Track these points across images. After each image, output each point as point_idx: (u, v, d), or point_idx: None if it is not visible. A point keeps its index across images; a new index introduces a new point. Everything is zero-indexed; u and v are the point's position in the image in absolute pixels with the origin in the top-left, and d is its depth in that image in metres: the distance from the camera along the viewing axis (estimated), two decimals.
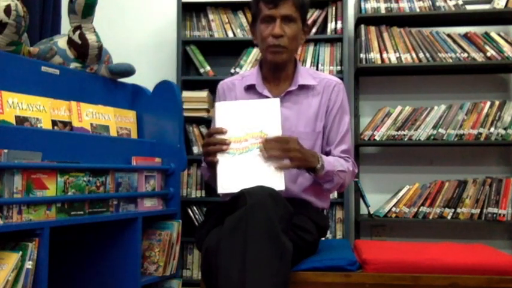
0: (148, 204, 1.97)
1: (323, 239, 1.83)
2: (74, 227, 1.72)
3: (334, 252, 1.70)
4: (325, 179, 1.66)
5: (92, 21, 1.97)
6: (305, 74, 1.80)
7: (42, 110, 1.74)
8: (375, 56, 2.86)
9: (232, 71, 2.96)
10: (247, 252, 1.30)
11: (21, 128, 1.59)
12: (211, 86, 2.96)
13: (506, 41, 2.81)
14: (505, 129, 2.74)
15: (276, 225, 1.34)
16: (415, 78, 3.05)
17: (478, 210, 2.74)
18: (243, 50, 3.03)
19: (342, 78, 2.81)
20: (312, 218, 1.67)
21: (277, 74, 1.78)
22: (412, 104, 2.91)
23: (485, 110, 2.79)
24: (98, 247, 1.89)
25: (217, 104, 1.60)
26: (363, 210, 2.90)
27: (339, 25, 2.94)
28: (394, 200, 2.82)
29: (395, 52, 2.86)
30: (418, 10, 2.85)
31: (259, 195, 1.38)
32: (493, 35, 2.84)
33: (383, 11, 2.88)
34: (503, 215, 2.70)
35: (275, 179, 1.50)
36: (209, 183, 1.84)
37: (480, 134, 2.76)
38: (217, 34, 3.04)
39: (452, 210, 2.76)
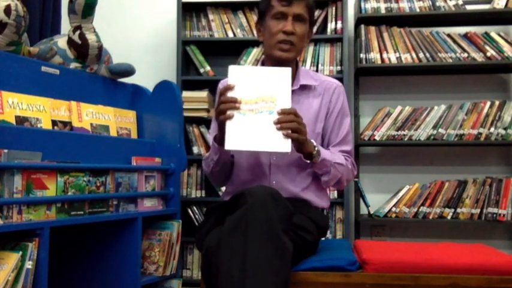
0: (148, 204, 1.97)
1: (323, 239, 1.83)
2: (74, 227, 1.72)
3: (334, 252, 1.70)
4: (322, 169, 1.67)
5: (92, 21, 1.97)
6: (306, 75, 1.81)
7: (42, 110, 1.74)
8: (374, 56, 2.86)
9: None
10: (248, 252, 1.30)
11: (21, 128, 1.59)
12: (211, 86, 2.96)
13: (506, 41, 2.81)
14: (505, 129, 2.74)
15: (276, 224, 1.34)
16: (415, 78, 3.05)
17: (478, 210, 2.74)
18: (243, 50, 3.03)
19: (342, 78, 2.83)
20: (312, 217, 1.67)
21: None
22: (412, 104, 2.91)
23: (485, 110, 2.79)
24: (98, 247, 1.89)
25: (231, 67, 1.59)
26: (363, 210, 2.90)
27: (339, 25, 2.94)
28: (394, 200, 2.82)
29: (395, 52, 2.86)
30: (418, 10, 2.85)
31: (259, 194, 1.38)
32: (493, 35, 2.84)
33: (383, 11, 2.88)
34: (503, 215, 2.70)
35: (282, 142, 1.51)
36: (213, 175, 1.83)
37: (480, 134, 2.76)
38: (217, 34, 3.04)
39: (452, 210, 2.76)
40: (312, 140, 1.64)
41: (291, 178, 1.72)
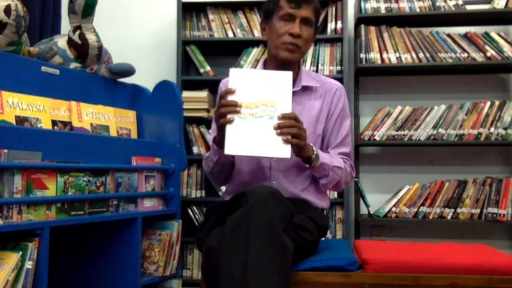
0: (148, 204, 1.97)
1: (323, 239, 1.83)
2: (74, 227, 1.72)
3: (334, 252, 1.70)
4: (321, 172, 1.68)
5: (92, 21, 1.97)
6: (307, 76, 1.81)
7: (42, 110, 1.74)
8: (375, 56, 2.86)
9: None
10: (249, 252, 1.30)
11: (21, 128, 1.59)
12: (211, 86, 2.96)
13: (506, 41, 2.81)
14: (505, 129, 2.74)
15: (277, 224, 1.34)
16: (415, 78, 3.05)
17: (478, 210, 2.74)
18: (243, 50, 3.03)
19: (342, 78, 2.83)
20: (312, 217, 1.67)
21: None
22: (412, 104, 2.91)
23: (485, 110, 2.79)
24: (98, 247, 1.89)
25: (232, 70, 1.59)
26: (363, 210, 2.90)
27: (339, 25, 2.94)
28: (394, 200, 2.82)
29: (395, 52, 2.86)
30: (418, 10, 2.85)
31: (260, 194, 1.38)
32: (493, 35, 2.84)
33: (383, 11, 2.88)
34: (503, 215, 2.70)
35: (281, 147, 1.51)
36: (213, 175, 1.83)
37: (480, 134, 2.76)
38: (217, 34, 3.04)
39: (452, 210, 2.76)
40: (311, 144, 1.64)
41: (291, 179, 1.72)
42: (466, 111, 2.81)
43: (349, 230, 2.85)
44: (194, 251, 2.94)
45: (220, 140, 1.57)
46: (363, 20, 2.91)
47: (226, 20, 3.04)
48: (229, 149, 1.51)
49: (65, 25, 2.26)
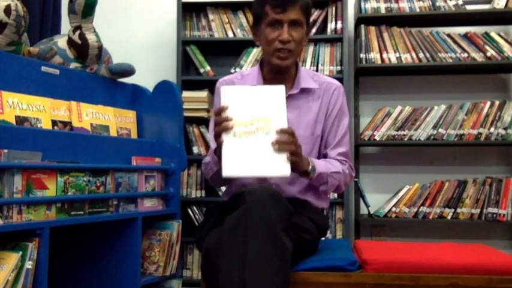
0: (148, 204, 1.97)
1: (323, 239, 1.83)
2: (74, 227, 1.72)
3: (334, 252, 1.70)
4: (319, 181, 1.67)
5: (92, 21, 1.97)
6: (306, 77, 1.79)
7: (42, 110, 1.74)
8: (375, 56, 2.86)
9: (232, 71, 2.96)
10: (248, 252, 1.30)
11: (21, 128, 1.59)
12: (211, 86, 2.95)
13: (506, 41, 2.81)
14: (505, 129, 2.74)
15: (275, 224, 1.34)
16: (415, 78, 3.05)
17: (478, 210, 2.74)
18: (243, 50, 3.03)
19: (342, 78, 2.82)
20: (312, 218, 1.67)
21: (279, 77, 1.77)
22: (412, 104, 2.91)
23: (485, 110, 2.79)
24: (98, 247, 1.89)
25: (223, 88, 1.56)
26: (363, 210, 2.90)
27: (339, 25, 2.94)
28: (394, 200, 2.82)
29: (395, 52, 2.86)
30: (418, 10, 2.85)
31: (258, 194, 1.38)
32: (493, 35, 2.84)
33: (383, 11, 2.88)
34: (503, 215, 2.70)
35: (280, 165, 1.48)
36: (213, 180, 1.82)
37: (480, 134, 2.76)
38: (217, 34, 3.04)
39: (452, 210, 2.76)
40: (307, 157, 1.62)
41: (290, 180, 1.72)
42: (466, 111, 2.81)
43: (349, 230, 2.85)
44: (194, 251, 2.94)
45: (220, 154, 1.57)
46: (363, 20, 2.91)
47: (226, 20, 3.04)
48: (227, 171, 1.47)
49: (65, 25, 2.26)
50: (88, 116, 1.92)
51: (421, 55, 2.83)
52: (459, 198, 2.76)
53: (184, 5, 3.02)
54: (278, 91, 1.54)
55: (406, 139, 2.82)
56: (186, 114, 2.79)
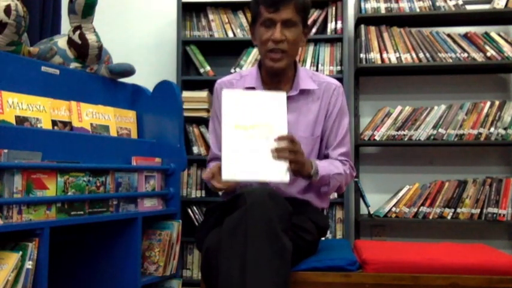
0: (148, 204, 1.97)
1: (323, 239, 1.83)
2: (74, 227, 1.72)
3: (334, 252, 1.70)
4: (322, 183, 1.67)
5: (92, 21, 1.97)
6: (305, 77, 1.78)
7: (42, 110, 1.74)
8: (375, 56, 2.86)
9: (232, 71, 2.96)
10: (247, 252, 1.30)
11: (21, 128, 1.59)
12: (211, 86, 2.92)
13: (506, 41, 2.81)
14: (505, 129, 2.74)
15: (275, 224, 1.34)
16: (415, 78, 3.05)
17: (478, 210, 2.74)
18: (243, 50, 3.03)
19: (342, 78, 2.83)
20: (312, 218, 1.67)
21: (277, 78, 1.76)
22: (412, 104, 2.91)
23: (485, 110, 2.79)
24: (98, 247, 1.89)
25: (224, 91, 1.56)
26: (363, 210, 2.90)
27: (339, 25, 2.94)
28: (394, 200, 2.82)
29: (395, 52, 2.86)
30: (418, 10, 2.85)
31: (258, 195, 1.38)
32: (493, 35, 2.84)
33: (383, 11, 2.88)
34: (503, 215, 2.70)
35: (280, 171, 1.49)
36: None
37: (480, 134, 2.76)
38: (217, 34, 3.04)
39: (452, 210, 2.76)
40: (310, 160, 1.62)
41: (290, 181, 1.71)
42: (466, 111, 2.81)
43: (349, 230, 2.85)
44: (194, 251, 2.94)
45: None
46: (363, 20, 2.91)
47: (226, 20, 3.04)
48: (227, 175, 1.47)
49: (65, 25, 2.26)
50: (88, 116, 1.92)
51: (421, 55, 2.83)
52: (459, 198, 2.76)
53: (184, 5, 3.02)
54: (279, 97, 1.54)
55: (406, 139, 2.82)
56: (186, 114, 2.79)
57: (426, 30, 2.89)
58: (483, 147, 2.94)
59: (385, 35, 2.88)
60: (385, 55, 2.86)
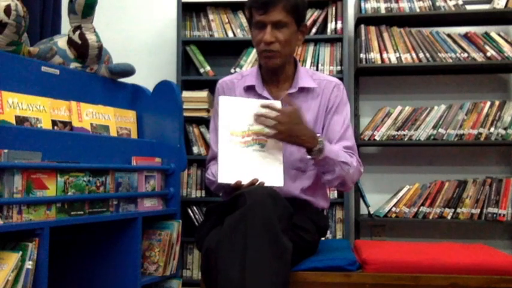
0: (148, 204, 1.97)
1: (323, 239, 1.83)
2: (74, 227, 1.72)
3: (334, 252, 1.70)
4: (325, 167, 1.62)
5: (92, 21, 1.97)
6: (305, 76, 1.78)
7: (42, 110, 1.74)
8: (375, 56, 2.86)
9: (232, 71, 2.96)
10: (247, 252, 1.30)
11: (21, 128, 1.59)
12: (211, 86, 2.96)
13: (506, 41, 2.81)
14: (505, 129, 2.74)
15: (275, 224, 1.34)
16: (415, 78, 3.05)
17: (478, 210, 2.74)
18: (243, 50, 3.03)
19: (342, 78, 2.82)
20: (312, 218, 1.67)
21: (276, 77, 1.77)
22: (412, 104, 2.91)
23: (485, 110, 2.79)
24: (98, 247, 1.89)
25: (221, 98, 1.61)
26: (363, 210, 2.90)
27: (339, 25, 2.95)
28: (394, 200, 2.82)
29: (395, 52, 2.86)
30: (418, 10, 2.85)
31: (258, 195, 1.38)
32: (493, 35, 2.84)
33: (383, 11, 2.88)
34: (503, 215, 2.70)
35: (275, 176, 1.55)
36: (216, 191, 1.85)
37: (480, 134, 2.76)
38: (217, 34, 3.05)
39: (452, 210, 2.76)
40: (318, 137, 1.59)
41: (291, 179, 1.71)
42: (466, 111, 2.81)
43: (349, 230, 2.85)
44: (194, 251, 2.94)
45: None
46: (363, 20, 2.91)
47: (226, 20, 3.04)
48: (223, 178, 1.53)
49: (65, 25, 2.26)
50: (88, 116, 1.92)
51: (421, 55, 2.83)
52: (459, 198, 2.76)
53: (184, 5, 3.02)
54: (275, 105, 1.58)
55: (406, 139, 2.82)
56: (186, 114, 2.79)
57: (426, 30, 2.89)
58: (483, 147, 2.95)
59: (385, 35, 2.88)
60: (385, 55, 2.86)
